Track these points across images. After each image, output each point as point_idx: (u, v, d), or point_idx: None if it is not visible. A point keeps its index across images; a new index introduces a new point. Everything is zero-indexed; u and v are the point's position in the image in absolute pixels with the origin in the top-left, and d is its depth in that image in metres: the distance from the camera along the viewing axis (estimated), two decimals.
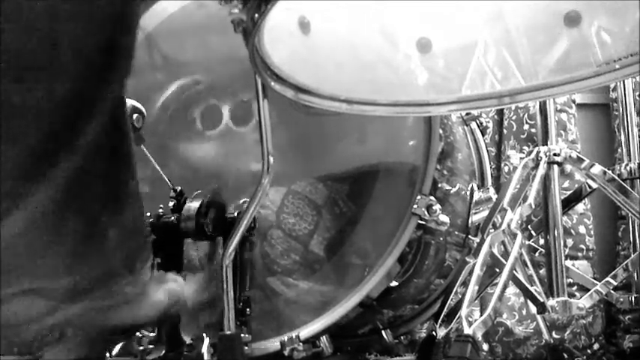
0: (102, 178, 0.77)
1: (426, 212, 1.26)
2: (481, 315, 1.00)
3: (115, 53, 0.73)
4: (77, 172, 0.72)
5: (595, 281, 1.22)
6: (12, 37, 0.64)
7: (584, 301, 1.13)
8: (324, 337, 1.29)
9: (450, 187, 1.42)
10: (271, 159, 1.12)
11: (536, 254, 1.60)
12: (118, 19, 0.72)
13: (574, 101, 1.88)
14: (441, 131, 1.35)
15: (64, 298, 0.78)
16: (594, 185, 1.23)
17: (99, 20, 0.70)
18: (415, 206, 1.26)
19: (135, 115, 1.17)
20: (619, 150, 1.78)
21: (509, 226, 1.11)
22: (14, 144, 0.67)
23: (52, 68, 0.68)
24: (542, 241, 1.23)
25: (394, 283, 1.35)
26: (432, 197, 1.27)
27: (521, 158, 1.25)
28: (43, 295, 0.76)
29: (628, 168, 1.40)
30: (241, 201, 1.24)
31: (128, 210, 0.83)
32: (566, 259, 1.21)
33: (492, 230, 1.13)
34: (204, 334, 1.11)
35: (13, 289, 0.74)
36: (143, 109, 1.18)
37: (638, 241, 1.43)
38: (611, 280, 1.16)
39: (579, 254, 1.79)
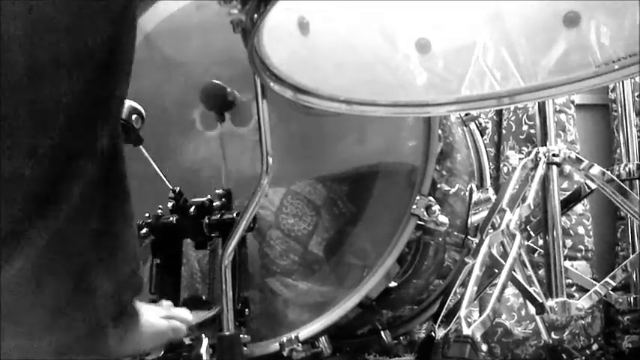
0: (94, 229, 0.74)
1: (425, 213, 1.26)
2: (480, 315, 1.00)
3: (107, 93, 0.71)
4: (68, 224, 0.70)
5: (594, 282, 1.22)
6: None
7: (583, 302, 1.13)
8: (323, 337, 1.29)
9: (449, 188, 1.42)
10: (270, 159, 1.12)
11: (535, 255, 1.60)
12: (111, 56, 0.70)
13: (573, 102, 1.88)
14: (440, 132, 1.35)
15: (50, 355, 0.76)
16: (593, 186, 1.23)
17: (90, 62, 0.68)
18: (414, 207, 1.26)
19: (134, 116, 1.17)
20: (618, 151, 1.78)
21: (508, 226, 1.11)
22: (3, 207, 0.66)
23: (39, 123, 0.66)
24: (541, 242, 1.23)
25: (393, 284, 1.35)
26: (431, 198, 1.27)
27: (520, 159, 1.25)
28: (30, 353, 0.75)
29: (627, 169, 1.40)
30: (240, 201, 1.24)
31: (122, 262, 0.80)
32: (565, 259, 1.21)
33: (491, 231, 1.13)
34: (203, 335, 1.11)
35: None
36: (142, 110, 1.18)
37: (637, 242, 1.43)
38: (610, 281, 1.16)
39: (578, 255, 1.79)
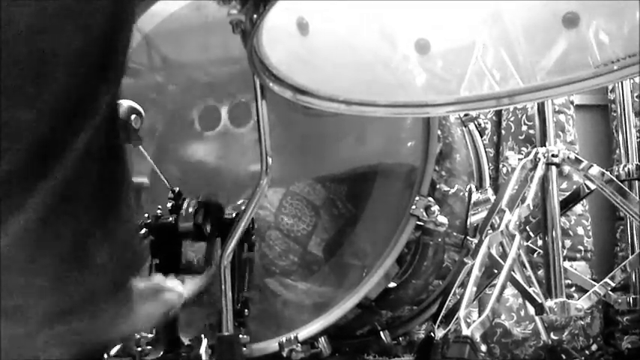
0: (92, 194, 0.74)
1: (424, 213, 1.26)
2: (479, 316, 1.00)
3: (109, 52, 0.72)
4: (66, 186, 0.69)
5: (593, 282, 1.22)
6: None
7: (583, 302, 1.13)
8: (322, 337, 1.29)
9: (449, 188, 1.42)
10: (270, 160, 1.12)
11: (535, 255, 1.60)
12: (113, 15, 0.71)
13: (572, 102, 1.88)
14: (439, 132, 1.35)
15: (47, 319, 0.76)
16: (592, 186, 1.23)
17: (94, 18, 0.69)
18: (413, 207, 1.26)
19: (133, 116, 1.17)
20: (617, 151, 1.78)
21: (507, 227, 1.11)
22: (2, 159, 0.66)
23: (42, 74, 0.67)
24: (540, 242, 1.23)
25: (392, 284, 1.35)
26: (430, 198, 1.27)
27: (519, 159, 1.25)
28: (27, 315, 0.74)
29: (626, 169, 1.40)
30: (240, 202, 1.24)
31: (120, 227, 0.80)
32: (564, 260, 1.21)
33: (491, 231, 1.13)
34: (203, 335, 1.11)
35: None
36: (141, 110, 1.18)
37: (636, 242, 1.43)
38: (610, 281, 1.16)
39: (577, 255, 1.79)
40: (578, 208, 1.79)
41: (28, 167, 0.68)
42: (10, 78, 0.65)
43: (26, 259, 0.71)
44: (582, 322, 1.72)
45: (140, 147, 1.22)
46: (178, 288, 1.07)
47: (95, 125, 0.72)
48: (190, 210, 1.22)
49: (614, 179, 1.20)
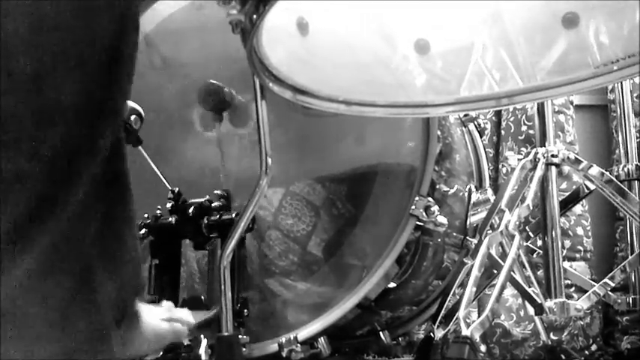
0: (96, 232, 0.73)
1: (424, 213, 1.26)
2: (479, 316, 1.00)
3: (110, 93, 0.71)
4: (69, 227, 0.69)
5: (593, 282, 1.22)
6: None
7: (582, 303, 1.13)
8: (322, 338, 1.29)
9: (448, 189, 1.42)
10: (269, 160, 1.12)
11: (534, 255, 1.60)
12: (114, 57, 0.70)
13: (572, 102, 1.89)
14: (439, 132, 1.35)
15: None
16: (592, 186, 1.23)
17: (93, 62, 0.68)
18: (413, 207, 1.26)
19: (133, 117, 1.17)
20: (617, 151, 1.77)
21: (507, 227, 1.11)
22: (4, 209, 0.66)
23: (41, 125, 0.66)
24: (539, 243, 1.23)
25: (392, 285, 1.34)
26: (429, 198, 1.27)
27: (519, 159, 1.25)
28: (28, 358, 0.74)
29: (626, 169, 1.40)
30: (239, 202, 1.24)
31: (124, 264, 0.80)
32: (563, 260, 1.22)
33: (490, 231, 1.13)
34: (202, 336, 1.11)
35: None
36: (141, 111, 1.18)
37: (635, 243, 1.43)
38: (609, 282, 1.16)
39: (577, 255, 1.79)
40: (578, 209, 1.79)
41: (29, 217, 0.67)
42: (7, 129, 0.64)
43: (28, 307, 0.71)
44: (582, 323, 1.72)
45: (140, 147, 1.22)
46: (189, 318, 1.07)
47: (97, 169, 0.71)
48: (191, 210, 1.23)
49: (614, 179, 1.20)
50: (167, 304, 1.08)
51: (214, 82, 1.34)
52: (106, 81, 0.70)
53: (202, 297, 1.21)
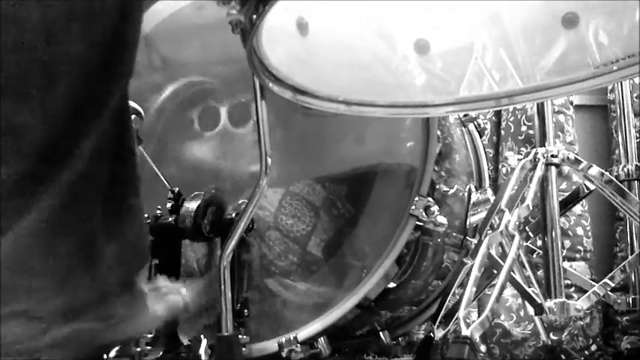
0: (100, 194, 0.74)
1: (423, 213, 1.26)
2: (479, 316, 1.00)
3: (117, 55, 0.72)
4: (74, 187, 0.70)
5: (592, 282, 1.22)
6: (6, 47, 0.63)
7: (582, 303, 1.13)
8: (321, 338, 1.29)
9: (448, 189, 1.42)
10: (269, 160, 1.12)
11: (534, 255, 1.60)
12: (121, 18, 0.71)
13: (572, 103, 1.89)
14: (438, 132, 1.35)
15: (55, 320, 0.75)
16: (592, 187, 1.23)
17: (101, 22, 0.68)
18: (413, 207, 1.26)
19: (133, 117, 1.17)
20: (616, 151, 1.78)
21: (506, 227, 1.11)
22: (7, 162, 0.66)
23: (48, 79, 0.66)
24: (539, 243, 1.23)
25: (392, 285, 1.34)
26: (429, 198, 1.27)
27: (518, 160, 1.25)
28: (35, 317, 0.74)
29: (625, 169, 1.40)
30: (239, 202, 1.24)
31: (128, 227, 0.80)
32: (563, 260, 1.21)
33: (490, 231, 1.13)
34: (202, 336, 1.11)
35: (3, 310, 0.72)
36: (141, 110, 1.18)
37: (635, 243, 1.43)
38: (609, 282, 1.16)
39: (577, 255, 1.79)
40: (578, 209, 1.79)
41: (34, 171, 0.68)
42: (14, 82, 0.65)
43: (32, 261, 0.71)
44: (582, 323, 1.72)
45: (140, 147, 1.22)
46: (182, 290, 1.07)
47: (103, 128, 0.72)
48: (190, 210, 1.23)
49: (614, 179, 1.20)
50: (161, 280, 1.08)
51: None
52: (114, 39, 0.70)
53: (196, 268, 1.21)
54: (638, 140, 1.49)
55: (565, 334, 1.71)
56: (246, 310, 1.19)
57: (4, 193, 0.67)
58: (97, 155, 0.72)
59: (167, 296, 1.03)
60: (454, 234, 1.41)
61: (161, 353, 1.07)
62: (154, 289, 1.02)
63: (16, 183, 0.67)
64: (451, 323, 1.14)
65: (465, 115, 1.52)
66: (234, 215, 1.21)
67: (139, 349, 1.09)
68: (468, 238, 1.43)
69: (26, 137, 0.66)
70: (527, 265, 1.22)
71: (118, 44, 0.71)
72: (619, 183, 1.20)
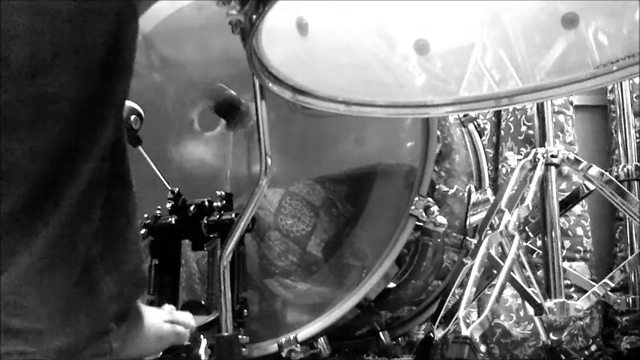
0: (97, 228, 0.73)
1: (423, 214, 1.26)
2: (479, 316, 1.00)
3: (109, 89, 0.71)
4: (69, 223, 0.69)
5: (592, 283, 1.23)
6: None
7: (582, 303, 1.13)
8: (321, 338, 1.29)
9: (448, 189, 1.42)
10: (269, 160, 1.12)
11: (534, 256, 1.60)
12: (112, 49, 0.70)
13: (571, 103, 1.89)
14: (438, 133, 1.35)
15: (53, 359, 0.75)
16: (592, 187, 1.23)
17: (92, 57, 0.68)
18: (413, 207, 1.26)
19: (133, 117, 1.17)
20: (616, 152, 1.77)
21: (506, 227, 1.11)
22: (3, 199, 0.65)
23: (38, 117, 0.65)
24: (539, 243, 1.23)
25: (392, 285, 1.34)
26: (429, 199, 1.27)
27: (518, 160, 1.25)
28: (32, 359, 0.74)
29: (625, 169, 1.40)
30: (239, 202, 1.24)
31: (125, 260, 0.79)
32: (563, 260, 1.21)
33: (490, 232, 1.13)
34: (202, 336, 1.11)
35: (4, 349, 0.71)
36: (141, 111, 1.18)
37: (635, 243, 1.43)
38: (609, 282, 1.16)
39: (577, 256, 1.79)
40: (578, 209, 1.79)
41: (28, 211, 0.67)
42: (5, 119, 0.64)
43: (29, 301, 0.71)
44: (581, 323, 1.72)
45: (140, 147, 1.22)
46: (190, 321, 1.07)
47: (97, 162, 0.71)
48: (191, 210, 1.23)
49: (614, 180, 1.20)
50: (168, 308, 1.08)
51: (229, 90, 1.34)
52: (105, 74, 0.70)
53: (202, 301, 1.22)
54: (638, 140, 1.50)
55: (565, 334, 1.71)
56: (245, 311, 1.19)
57: (2, 231, 0.66)
58: (93, 191, 0.71)
59: (175, 326, 1.03)
60: (454, 234, 1.41)
61: (161, 353, 1.07)
62: (170, 322, 1.02)
63: (11, 223, 0.66)
64: (451, 323, 1.14)
65: (464, 115, 1.52)
66: (234, 215, 1.21)
67: None
68: (467, 238, 1.43)
69: (19, 175, 0.66)
70: (527, 265, 1.22)
71: (108, 78, 0.70)
72: (619, 183, 1.20)
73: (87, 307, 0.75)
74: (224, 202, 1.24)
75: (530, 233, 1.33)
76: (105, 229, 0.75)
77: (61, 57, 0.65)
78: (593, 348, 1.74)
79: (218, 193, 1.26)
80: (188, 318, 1.07)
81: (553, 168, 1.20)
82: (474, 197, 1.45)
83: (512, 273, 1.07)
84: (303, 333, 1.26)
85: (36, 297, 0.70)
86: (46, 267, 0.69)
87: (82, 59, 0.67)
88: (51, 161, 0.67)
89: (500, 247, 1.10)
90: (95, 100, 0.69)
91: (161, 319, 1.00)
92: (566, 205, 1.31)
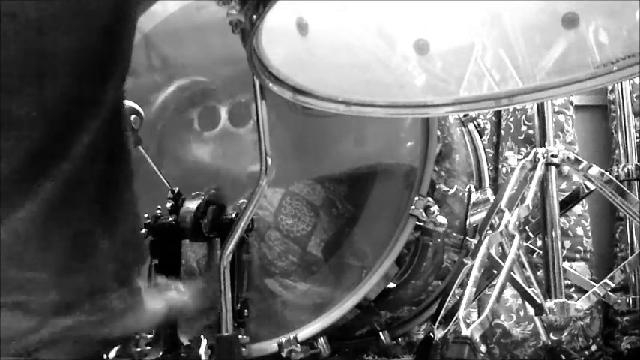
0: (95, 188, 0.74)
1: (423, 214, 1.26)
2: (479, 316, 1.00)
3: (112, 51, 0.72)
4: (69, 182, 0.70)
5: (592, 283, 1.22)
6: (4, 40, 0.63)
7: (582, 303, 1.13)
8: (321, 338, 1.29)
9: (448, 189, 1.42)
10: (269, 160, 1.12)
11: (534, 256, 1.60)
12: (116, 15, 0.71)
13: (572, 103, 1.89)
14: (438, 133, 1.35)
15: (51, 312, 0.75)
16: (592, 187, 1.23)
17: (96, 18, 0.69)
18: (413, 207, 1.26)
19: (133, 117, 1.17)
20: (616, 151, 1.77)
21: (506, 227, 1.11)
22: (4, 155, 0.66)
23: (43, 73, 0.67)
24: (539, 243, 1.23)
25: (392, 285, 1.34)
26: (429, 199, 1.27)
27: (518, 160, 1.25)
28: (31, 309, 0.74)
29: (625, 169, 1.40)
30: (239, 202, 1.24)
31: (122, 221, 0.80)
32: (563, 260, 1.21)
33: (490, 232, 1.13)
34: (202, 336, 1.11)
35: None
36: (141, 111, 1.18)
37: (635, 243, 1.43)
38: (609, 282, 1.16)
39: (577, 256, 1.79)
40: (578, 209, 1.79)
41: (29, 166, 0.68)
42: (10, 76, 0.65)
43: (28, 254, 0.72)
44: (582, 323, 1.72)
45: (140, 147, 1.22)
46: (181, 288, 1.07)
47: (97, 125, 0.72)
48: (190, 210, 1.23)
49: (614, 180, 1.20)
50: (160, 279, 1.08)
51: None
52: (107, 38, 0.70)
53: (197, 267, 1.21)
54: (638, 140, 1.49)
55: (565, 334, 1.71)
56: (246, 311, 1.19)
57: (4, 183, 0.67)
58: (93, 151, 0.72)
59: (166, 294, 1.03)
60: (454, 234, 1.41)
61: (161, 353, 1.07)
62: (153, 286, 1.02)
63: (13, 176, 0.67)
64: (451, 323, 1.14)
65: (464, 115, 1.52)
66: (234, 215, 1.21)
67: (139, 349, 1.09)
68: (467, 238, 1.43)
69: (22, 131, 0.67)
70: (527, 265, 1.22)
71: (111, 43, 0.71)
72: (619, 183, 1.20)
73: (83, 265, 0.76)
74: (223, 202, 1.24)
75: (530, 233, 1.33)
76: (103, 193, 0.75)
77: (67, 13, 0.66)
78: (593, 348, 1.74)
79: (216, 192, 1.26)
80: (178, 285, 1.07)
81: (553, 168, 1.20)
82: (474, 197, 1.45)
83: (512, 273, 1.07)
84: (303, 333, 1.26)
85: (34, 249, 0.71)
86: (46, 222, 0.70)
87: (89, 16, 0.68)
88: (53, 118, 0.68)
89: (500, 247, 1.10)
90: (98, 63, 0.70)
91: (155, 292, 1.00)
92: (566, 205, 1.31)
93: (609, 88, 1.79)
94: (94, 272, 0.77)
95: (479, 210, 1.44)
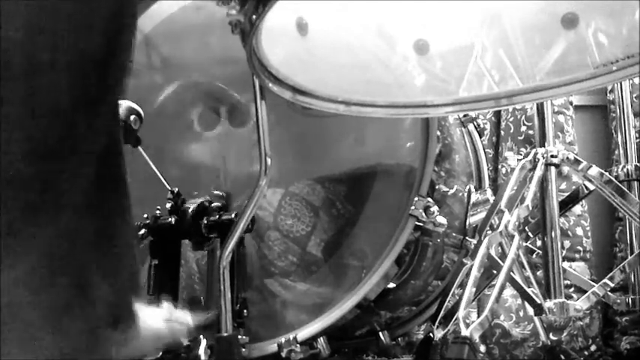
0: (92, 231, 0.74)
1: (423, 214, 1.26)
2: (478, 316, 1.00)
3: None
4: (67, 228, 0.69)
5: (592, 283, 1.23)
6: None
7: (582, 303, 1.13)
8: (321, 338, 1.29)
9: (448, 189, 1.42)
10: (269, 160, 1.12)
11: (534, 256, 1.60)
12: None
13: (571, 103, 1.89)
14: (438, 133, 1.35)
15: None
16: (591, 187, 1.23)
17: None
18: (412, 208, 1.26)
19: (132, 117, 1.17)
20: (616, 152, 1.77)
21: (506, 227, 1.11)
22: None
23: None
24: (539, 243, 1.23)
25: (391, 285, 1.35)
26: (429, 199, 1.27)
27: (518, 160, 1.25)
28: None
29: (625, 170, 1.40)
30: (239, 202, 1.24)
31: (121, 265, 0.80)
32: (563, 260, 1.21)
33: (490, 232, 1.13)
34: (202, 336, 1.11)
35: None
36: (140, 111, 1.18)
37: (635, 243, 1.43)
38: (609, 282, 1.16)
39: (576, 256, 1.79)
40: (577, 209, 1.79)
41: (26, 217, 0.67)
42: (4, 127, 0.64)
43: (26, 308, 0.71)
44: (581, 323, 1.72)
45: (139, 147, 1.22)
46: (187, 319, 1.06)
47: (95, 164, 0.71)
48: (190, 210, 1.23)
49: (613, 180, 1.20)
50: (166, 305, 1.08)
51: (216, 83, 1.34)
52: (102, 79, 0.70)
53: (201, 298, 1.21)
54: (637, 140, 1.50)
55: (565, 334, 1.71)
56: (245, 311, 1.19)
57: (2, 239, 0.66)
58: (89, 197, 0.71)
59: (171, 324, 1.03)
60: (454, 234, 1.41)
61: (160, 353, 1.07)
62: (167, 321, 1.02)
63: (9, 230, 0.66)
64: (451, 323, 1.14)
65: (464, 116, 1.52)
66: (233, 215, 1.20)
67: None
68: (467, 238, 1.43)
69: (17, 184, 0.66)
70: (526, 265, 1.23)
71: (104, 84, 0.70)
72: (618, 183, 1.20)
73: (82, 312, 0.75)
74: (222, 202, 1.24)
75: (530, 233, 1.33)
76: (100, 236, 0.75)
77: (58, 62, 0.65)
78: (593, 348, 1.74)
79: (216, 192, 1.26)
80: (185, 316, 1.07)
81: (553, 168, 1.20)
82: (474, 197, 1.45)
83: (512, 273, 1.07)
84: (303, 333, 1.26)
85: (31, 303, 0.70)
86: (42, 273, 0.69)
87: (79, 62, 0.67)
88: (47, 164, 0.67)
89: (500, 247, 1.10)
90: (92, 101, 0.69)
91: (157, 318, 1.00)
92: (566, 205, 1.31)
93: (609, 88, 1.79)
94: (92, 317, 0.76)
95: (478, 210, 1.44)
